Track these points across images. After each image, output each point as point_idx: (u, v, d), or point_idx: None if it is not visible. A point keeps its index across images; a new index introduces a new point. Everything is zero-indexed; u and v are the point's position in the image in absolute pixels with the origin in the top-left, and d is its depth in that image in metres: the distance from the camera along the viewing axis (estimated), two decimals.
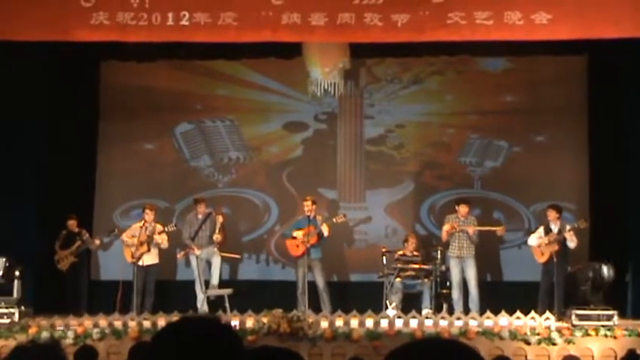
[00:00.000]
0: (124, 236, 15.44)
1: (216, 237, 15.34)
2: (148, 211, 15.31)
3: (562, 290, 14.23)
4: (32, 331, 12.99)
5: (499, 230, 15.37)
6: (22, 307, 13.82)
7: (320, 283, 15.24)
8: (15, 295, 14.05)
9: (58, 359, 3.94)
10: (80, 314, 13.89)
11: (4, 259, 14.20)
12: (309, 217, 15.21)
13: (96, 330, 12.94)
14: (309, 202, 15.28)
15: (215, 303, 15.01)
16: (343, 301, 14.34)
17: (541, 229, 14.89)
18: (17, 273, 14.16)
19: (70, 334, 12.83)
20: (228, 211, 16.64)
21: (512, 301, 13.66)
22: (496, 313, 13.09)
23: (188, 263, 15.81)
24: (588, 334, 12.70)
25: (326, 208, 16.47)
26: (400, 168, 17.00)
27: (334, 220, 15.35)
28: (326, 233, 15.21)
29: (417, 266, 15.21)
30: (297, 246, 15.26)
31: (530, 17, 12.73)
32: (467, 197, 15.78)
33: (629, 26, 12.75)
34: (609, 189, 15.77)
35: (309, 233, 15.08)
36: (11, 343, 11.91)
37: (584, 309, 13.18)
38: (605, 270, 13.69)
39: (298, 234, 15.24)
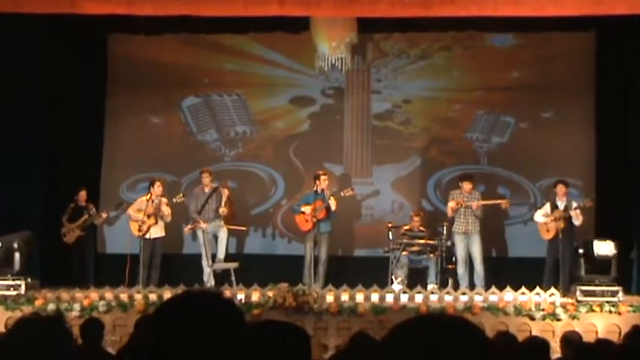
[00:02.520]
0: (130, 210, 15.47)
1: (222, 210, 15.36)
2: (159, 183, 15.35)
3: (567, 266, 14.27)
4: (38, 303, 13.04)
5: (503, 203, 15.35)
6: (29, 280, 13.85)
7: (322, 256, 15.25)
8: (16, 267, 14.05)
9: (62, 331, 3.96)
10: (86, 287, 13.97)
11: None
12: (316, 191, 15.22)
13: (102, 302, 12.99)
14: (325, 177, 15.29)
15: (221, 277, 15.04)
16: (349, 276, 14.32)
17: (547, 206, 14.90)
18: (15, 245, 14.16)
19: (77, 306, 12.90)
20: (235, 186, 16.67)
21: (517, 277, 13.70)
22: (501, 288, 13.13)
23: (195, 237, 15.84)
24: (593, 310, 12.73)
25: (335, 182, 16.46)
26: (407, 143, 16.99)
27: (342, 193, 15.36)
28: (333, 207, 15.20)
29: (422, 241, 15.25)
30: (307, 221, 15.27)
31: None
32: (471, 173, 15.76)
33: (637, 2, 12.68)
34: (616, 166, 15.77)
35: (318, 208, 15.11)
36: (17, 315, 11.97)
37: (589, 285, 13.20)
38: (596, 246, 13.70)
39: (306, 209, 15.25)
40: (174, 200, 15.32)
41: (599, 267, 13.57)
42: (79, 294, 13.39)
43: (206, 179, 15.59)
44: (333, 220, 15.47)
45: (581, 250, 13.85)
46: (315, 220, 15.12)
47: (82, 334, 7.72)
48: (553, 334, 12.07)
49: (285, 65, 17.13)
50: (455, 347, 2.22)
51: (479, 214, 15.01)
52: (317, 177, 15.31)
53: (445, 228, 15.18)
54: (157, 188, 15.33)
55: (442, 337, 2.24)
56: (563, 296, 13.33)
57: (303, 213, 15.30)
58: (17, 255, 14.06)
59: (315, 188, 15.23)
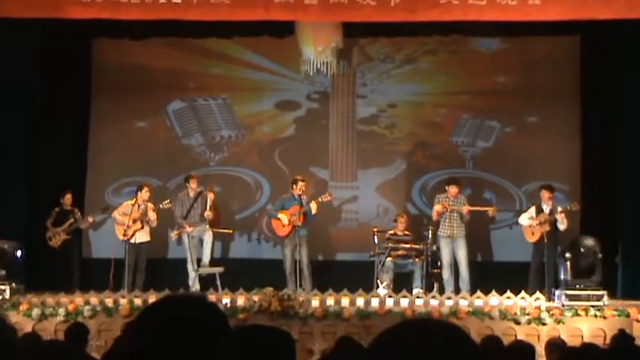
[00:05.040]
0: (116, 214, 15.45)
1: (208, 214, 15.35)
2: (146, 188, 15.33)
3: (552, 271, 14.28)
4: (23, 308, 12.99)
5: (490, 211, 15.38)
6: (13, 284, 13.79)
7: (304, 260, 15.20)
8: None
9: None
10: (71, 291, 13.90)
11: None
12: (294, 196, 15.21)
13: (87, 307, 12.94)
14: (304, 183, 15.27)
15: (206, 281, 15.02)
16: (334, 280, 14.32)
17: (533, 209, 14.92)
18: None
19: (61, 311, 12.85)
20: (220, 190, 16.63)
21: (502, 281, 13.68)
22: (486, 292, 13.12)
23: (180, 241, 15.81)
24: (578, 315, 12.71)
25: (316, 187, 16.47)
26: (392, 147, 17.00)
27: (320, 199, 15.32)
28: (314, 211, 15.19)
29: (408, 246, 15.23)
30: (283, 226, 15.23)
31: None
32: (457, 177, 15.75)
33: (622, 7, 12.72)
34: (601, 170, 15.79)
35: (295, 213, 15.08)
36: None
37: (574, 289, 13.21)
38: (586, 241, 13.73)
39: (282, 215, 15.21)
40: (160, 206, 15.28)
41: (583, 266, 13.58)
42: (64, 299, 13.34)
43: (193, 184, 15.56)
44: (311, 224, 15.45)
45: (567, 255, 13.85)
46: (292, 226, 15.09)
47: (67, 338, 7.70)
48: (538, 338, 12.08)
49: (270, 69, 17.12)
50: (442, 352, 2.22)
51: (466, 219, 15.01)
52: (295, 182, 15.28)
53: (430, 232, 15.19)
54: (145, 193, 15.28)
55: (429, 342, 2.24)
56: (549, 300, 13.35)
57: (279, 219, 15.26)
58: None
59: (296, 193, 15.19)
